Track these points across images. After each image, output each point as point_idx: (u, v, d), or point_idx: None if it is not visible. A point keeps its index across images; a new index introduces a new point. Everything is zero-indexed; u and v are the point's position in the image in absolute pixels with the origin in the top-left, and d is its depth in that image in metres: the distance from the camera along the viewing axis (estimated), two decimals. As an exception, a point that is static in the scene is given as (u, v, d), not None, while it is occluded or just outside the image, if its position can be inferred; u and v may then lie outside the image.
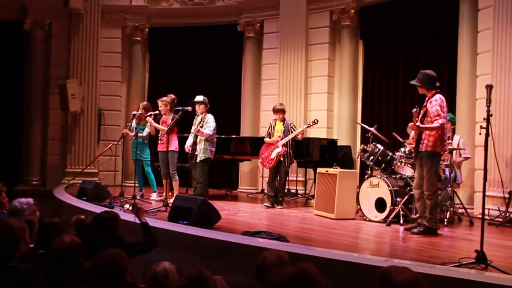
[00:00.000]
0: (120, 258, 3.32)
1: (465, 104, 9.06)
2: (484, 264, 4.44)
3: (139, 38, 13.30)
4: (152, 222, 6.35)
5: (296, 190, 11.02)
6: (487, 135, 4.71)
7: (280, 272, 2.50)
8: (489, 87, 4.90)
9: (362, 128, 9.22)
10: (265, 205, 8.91)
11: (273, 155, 8.83)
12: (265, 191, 9.30)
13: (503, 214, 7.56)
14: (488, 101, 4.84)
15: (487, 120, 4.74)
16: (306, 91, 11.66)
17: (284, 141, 8.79)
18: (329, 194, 7.79)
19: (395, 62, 10.77)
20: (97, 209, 7.02)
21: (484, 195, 4.85)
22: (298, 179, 11.13)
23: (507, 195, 7.59)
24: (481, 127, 4.85)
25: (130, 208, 5.26)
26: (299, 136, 8.86)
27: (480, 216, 7.68)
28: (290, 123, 8.99)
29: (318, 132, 11.05)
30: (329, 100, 11.62)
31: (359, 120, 11.13)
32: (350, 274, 4.42)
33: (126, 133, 9.41)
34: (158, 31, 13.37)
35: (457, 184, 8.15)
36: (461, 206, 7.98)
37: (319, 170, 8.32)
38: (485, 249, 4.62)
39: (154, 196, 9.40)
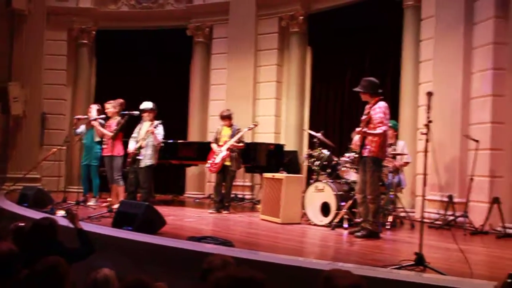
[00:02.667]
0: (59, 265, 3.24)
1: (408, 110, 9.32)
2: (423, 265, 4.56)
3: (85, 41, 13.06)
4: (95, 228, 6.27)
5: (243, 195, 11.06)
6: (427, 141, 4.84)
7: (226, 273, 2.45)
8: (429, 94, 5.05)
9: (309, 134, 9.33)
10: (209, 212, 8.87)
11: (218, 159, 8.81)
12: (212, 196, 9.27)
13: (442, 217, 7.79)
14: (429, 108, 4.98)
15: (427, 126, 4.88)
16: (255, 96, 11.73)
17: (228, 145, 8.79)
18: (275, 199, 7.83)
19: (342, 69, 10.96)
20: (38, 215, 6.80)
21: (423, 199, 4.99)
22: (245, 184, 11.17)
23: (446, 199, 7.83)
24: (422, 133, 4.99)
25: (64, 214, 5.12)
26: (240, 145, 8.87)
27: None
28: (237, 128, 9.00)
29: (265, 137, 11.15)
30: (277, 106, 11.73)
31: (306, 125, 11.28)
32: (295, 278, 4.44)
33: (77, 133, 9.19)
34: (105, 34, 13.16)
35: (401, 188, 8.35)
36: (403, 210, 8.20)
37: (265, 175, 8.37)
38: (425, 251, 4.73)
39: (92, 202, 9.19)
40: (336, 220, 7.28)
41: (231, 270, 2.52)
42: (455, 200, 7.85)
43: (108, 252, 5.77)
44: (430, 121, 4.93)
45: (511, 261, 5.35)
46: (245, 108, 11.62)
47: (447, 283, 3.90)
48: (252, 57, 11.71)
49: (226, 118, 8.99)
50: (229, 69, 11.93)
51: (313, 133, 8.59)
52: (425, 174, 4.91)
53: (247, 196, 11.05)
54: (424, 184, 4.88)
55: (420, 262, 4.57)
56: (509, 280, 4.30)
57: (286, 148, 10.87)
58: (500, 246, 6.43)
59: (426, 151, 4.88)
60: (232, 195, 9.96)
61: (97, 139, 9.19)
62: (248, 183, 11.23)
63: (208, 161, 9.01)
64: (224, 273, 2.40)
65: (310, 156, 8.10)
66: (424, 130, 4.95)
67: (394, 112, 9.35)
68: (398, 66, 9.74)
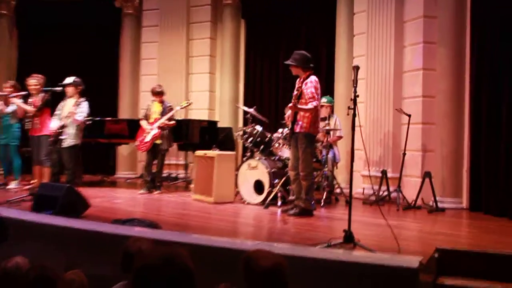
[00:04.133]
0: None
1: (343, 85, 9.26)
2: (352, 243, 4.48)
3: (5, 12, 12.18)
4: (12, 213, 5.88)
5: (177, 174, 10.79)
6: (354, 115, 4.77)
7: (146, 256, 2.22)
8: (356, 68, 5.00)
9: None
10: (140, 193, 8.55)
11: (148, 137, 8.48)
12: (143, 176, 8.95)
13: (376, 193, 7.78)
14: (355, 82, 4.91)
15: (354, 100, 4.81)
16: (188, 71, 11.38)
17: (159, 123, 8.47)
18: (208, 177, 7.59)
19: (277, 43, 10.75)
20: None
21: (351, 175, 4.91)
22: (179, 162, 10.88)
23: (379, 174, 7.82)
24: (349, 108, 4.91)
25: None
26: (171, 123, 8.58)
27: (356, 195, 7.93)
28: (168, 105, 8.68)
29: (199, 114, 10.87)
30: (211, 81, 11.42)
31: (241, 100, 11.07)
32: (223, 260, 4.26)
33: None
34: (27, 4, 12.27)
35: (336, 163, 8.29)
36: (338, 186, 8.15)
37: (197, 153, 8.10)
38: (356, 227, 4.69)
39: (13, 184, 8.64)
40: (270, 198, 7.14)
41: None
42: (389, 175, 7.83)
43: (27, 238, 5.43)
44: (357, 96, 4.88)
45: (439, 235, 5.37)
46: (178, 83, 11.25)
47: (374, 260, 3.82)
48: (184, 30, 11.32)
49: (159, 94, 8.67)
50: (160, 43, 11.50)
51: (245, 108, 8.38)
52: (352, 150, 4.84)
53: (180, 175, 10.77)
54: (352, 159, 4.82)
55: (349, 239, 4.49)
56: (435, 255, 4.29)
57: (221, 125, 10.64)
58: (431, 221, 6.48)
59: (353, 125, 4.81)
60: (165, 174, 9.70)
61: (15, 120, 8.64)
62: (182, 162, 10.92)
63: (138, 139, 8.67)
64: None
65: (243, 132, 7.89)
66: (351, 105, 4.87)
67: (329, 86, 9.32)
68: (333, 39, 9.64)
